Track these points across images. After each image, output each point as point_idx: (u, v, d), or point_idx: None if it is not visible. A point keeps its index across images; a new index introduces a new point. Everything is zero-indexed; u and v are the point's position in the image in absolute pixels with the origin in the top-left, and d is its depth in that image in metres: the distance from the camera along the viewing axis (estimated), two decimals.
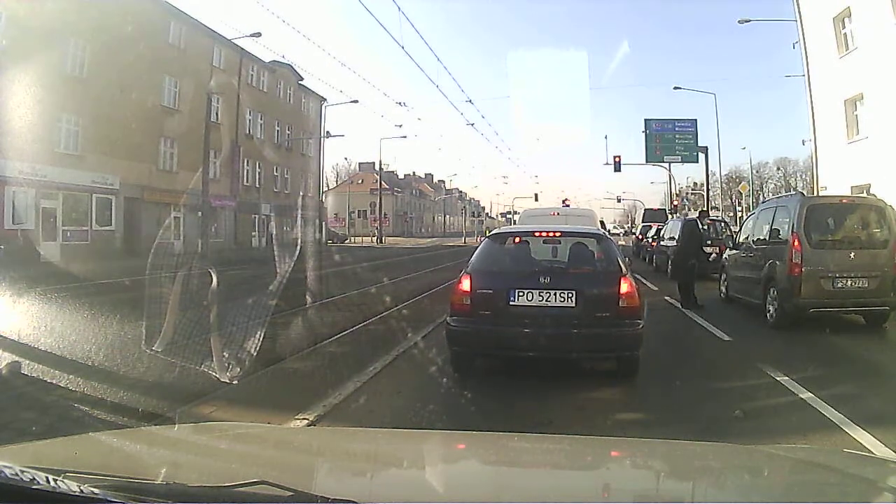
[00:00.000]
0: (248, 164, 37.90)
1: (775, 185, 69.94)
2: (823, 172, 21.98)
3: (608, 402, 5.32)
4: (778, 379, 5.69)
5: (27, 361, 4.99)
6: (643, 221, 35.26)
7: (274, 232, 37.67)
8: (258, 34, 28.00)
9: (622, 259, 6.00)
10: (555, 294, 5.48)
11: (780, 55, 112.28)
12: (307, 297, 10.38)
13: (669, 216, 32.59)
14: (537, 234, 6.63)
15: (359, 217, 77.06)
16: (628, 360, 5.68)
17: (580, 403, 5.14)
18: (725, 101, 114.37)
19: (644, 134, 35.72)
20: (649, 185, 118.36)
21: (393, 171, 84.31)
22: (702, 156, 35.34)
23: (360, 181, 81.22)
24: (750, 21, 28.42)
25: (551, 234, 6.62)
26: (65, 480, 1.22)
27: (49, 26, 21.18)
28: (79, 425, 4.16)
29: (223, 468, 1.82)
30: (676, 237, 13.56)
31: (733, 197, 61.59)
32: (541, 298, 5.49)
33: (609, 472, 2.02)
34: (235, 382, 4.36)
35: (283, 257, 6.57)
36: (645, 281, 13.74)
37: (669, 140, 35.40)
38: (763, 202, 15.28)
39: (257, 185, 39.08)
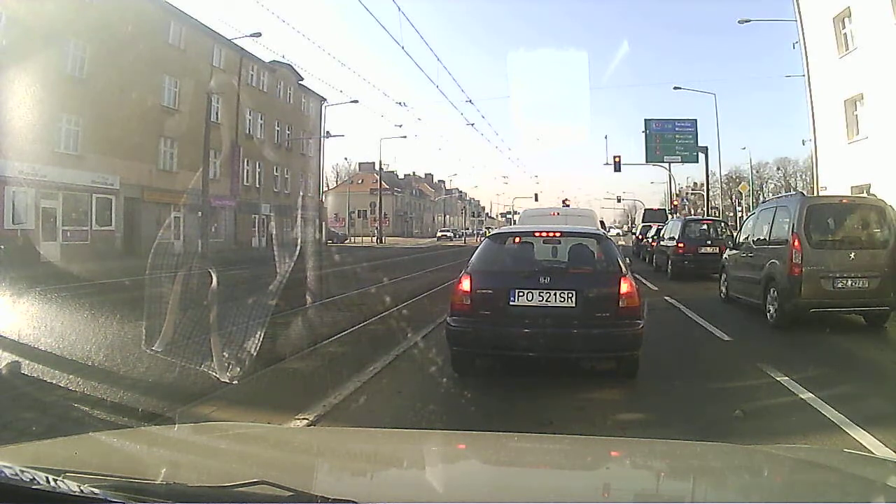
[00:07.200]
0: (248, 164, 37.91)
1: (775, 185, 70.02)
2: (823, 172, 21.97)
3: (608, 402, 5.32)
4: (778, 379, 5.68)
5: (27, 361, 4.98)
6: (643, 221, 35.30)
7: (274, 232, 37.67)
8: (258, 34, 28.12)
9: (622, 259, 6.00)
10: (555, 294, 5.48)
11: (780, 55, 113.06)
12: (307, 297, 10.37)
13: (669, 216, 32.66)
14: (537, 234, 6.63)
15: (359, 217, 77.06)
16: (628, 360, 5.67)
17: (580, 403, 5.12)
18: (725, 101, 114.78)
19: (644, 134, 35.79)
20: (649, 185, 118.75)
21: (393, 171, 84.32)
22: (702, 156, 35.39)
23: (360, 181, 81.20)
24: (750, 21, 28.43)
25: (551, 234, 6.61)
26: (65, 480, 1.22)
27: (49, 26, 21.17)
28: (79, 425, 4.15)
29: (223, 468, 1.81)
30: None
31: (733, 197, 61.59)
32: (541, 298, 5.48)
33: (609, 472, 2.02)
34: (235, 382, 4.36)
35: (283, 257, 6.59)
36: (645, 281, 13.75)
37: (669, 140, 35.45)
38: (763, 202, 15.27)
39: (257, 185, 39.09)
